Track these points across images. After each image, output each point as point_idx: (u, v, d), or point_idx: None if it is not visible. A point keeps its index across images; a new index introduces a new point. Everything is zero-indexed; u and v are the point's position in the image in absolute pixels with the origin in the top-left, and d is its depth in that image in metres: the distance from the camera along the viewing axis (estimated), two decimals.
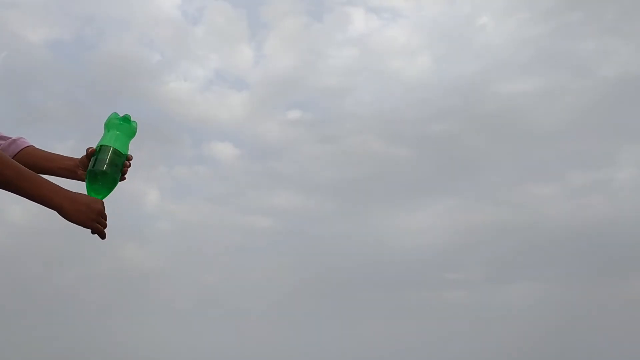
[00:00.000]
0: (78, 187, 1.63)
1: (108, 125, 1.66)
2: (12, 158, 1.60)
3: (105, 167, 1.59)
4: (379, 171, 10.34)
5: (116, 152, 1.61)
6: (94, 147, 1.62)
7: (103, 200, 1.56)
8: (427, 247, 9.23)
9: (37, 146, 1.82)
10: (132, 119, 1.67)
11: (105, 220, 1.55)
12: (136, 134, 1.70)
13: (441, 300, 8.74)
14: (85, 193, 1.58)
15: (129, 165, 1.68)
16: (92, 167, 1.58)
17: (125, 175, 1.66)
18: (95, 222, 1.50)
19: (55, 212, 1.56)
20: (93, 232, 1.55)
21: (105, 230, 1.55)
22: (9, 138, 1.75)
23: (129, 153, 1.67)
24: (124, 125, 1.67)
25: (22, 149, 1.74)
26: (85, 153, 1.66)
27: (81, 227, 1.53)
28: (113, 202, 1.73)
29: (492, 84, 10.61)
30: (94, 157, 1.59)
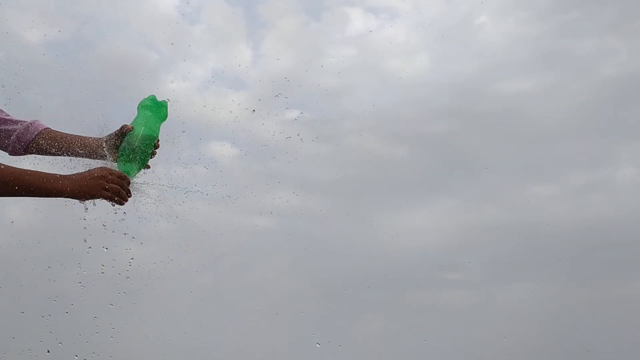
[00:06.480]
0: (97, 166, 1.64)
1: (142, 107, 1.66)
2: (31, 141, 1.61)
3: (138, 145, 1.60)
4: (378, 171, 10.33)
5: (148, 133, 1.62)
6: (130, 125, 1.62)
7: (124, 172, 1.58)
8: (427, 246, 9.23)
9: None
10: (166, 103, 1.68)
11: (116, 181, 1.55)
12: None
13: (441, 300, 8.74)
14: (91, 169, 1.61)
15: (158, 147, 1.71)
16: (126, 145, 1.59)
17: (154, 156, 1.69)
18: (103, 189, 1.52)
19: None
20: (112, 201, 1.56)
21: (120, 195, 1.57)
22: (24, 122, 1.73)
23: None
24: (157, 108, 1.67)
25: (39, 132, 1.72)
26: (118, 129, 1.67)
27: (104, 202, 1.57)
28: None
29: (491, 83, 10.60)
30: (129, 135, 1.60)
